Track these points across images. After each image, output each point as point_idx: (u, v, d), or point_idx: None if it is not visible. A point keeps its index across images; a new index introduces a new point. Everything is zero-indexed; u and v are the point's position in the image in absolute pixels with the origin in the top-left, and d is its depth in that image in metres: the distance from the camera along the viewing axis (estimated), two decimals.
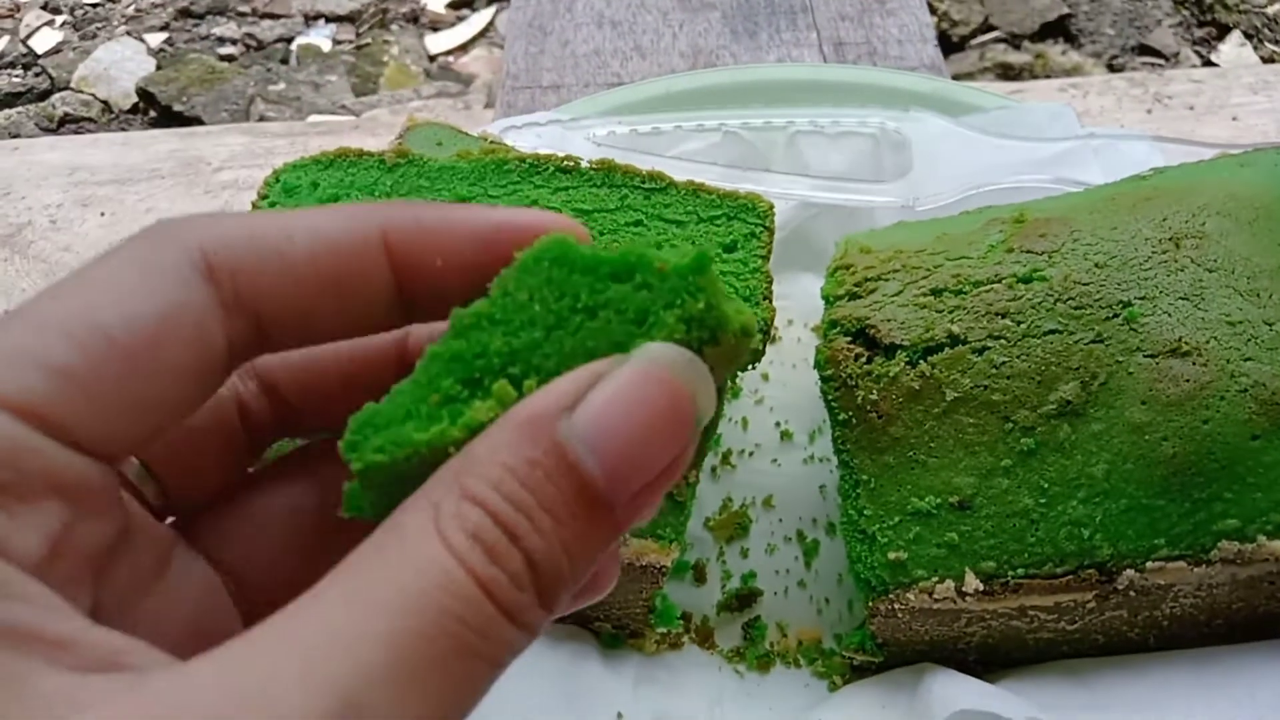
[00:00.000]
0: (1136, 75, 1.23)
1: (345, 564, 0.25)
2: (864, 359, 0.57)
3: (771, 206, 0.57)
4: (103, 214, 0.98)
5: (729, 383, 0.69)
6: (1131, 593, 0.50)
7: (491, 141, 0.64)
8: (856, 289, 0.60)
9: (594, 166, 0.57)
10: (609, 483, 0.26)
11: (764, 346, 0.53)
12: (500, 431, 0.27)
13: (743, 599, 0.62)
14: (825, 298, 0.61)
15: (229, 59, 1.75)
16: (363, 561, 0.25)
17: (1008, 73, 1.53)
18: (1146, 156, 0.75)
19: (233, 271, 0.29)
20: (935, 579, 0.52)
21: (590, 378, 0.27)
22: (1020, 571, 0.51)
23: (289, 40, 1.76)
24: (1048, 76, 1.50)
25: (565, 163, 0.57)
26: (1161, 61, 1.55)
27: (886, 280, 0.59)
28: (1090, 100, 1.21)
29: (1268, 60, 1.52)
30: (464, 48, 1.80)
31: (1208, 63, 1.53)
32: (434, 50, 1.80)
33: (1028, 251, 0.56)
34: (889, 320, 0.57)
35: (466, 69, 1.77)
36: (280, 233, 0.30)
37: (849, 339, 0.58)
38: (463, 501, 0.25)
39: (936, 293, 0.57)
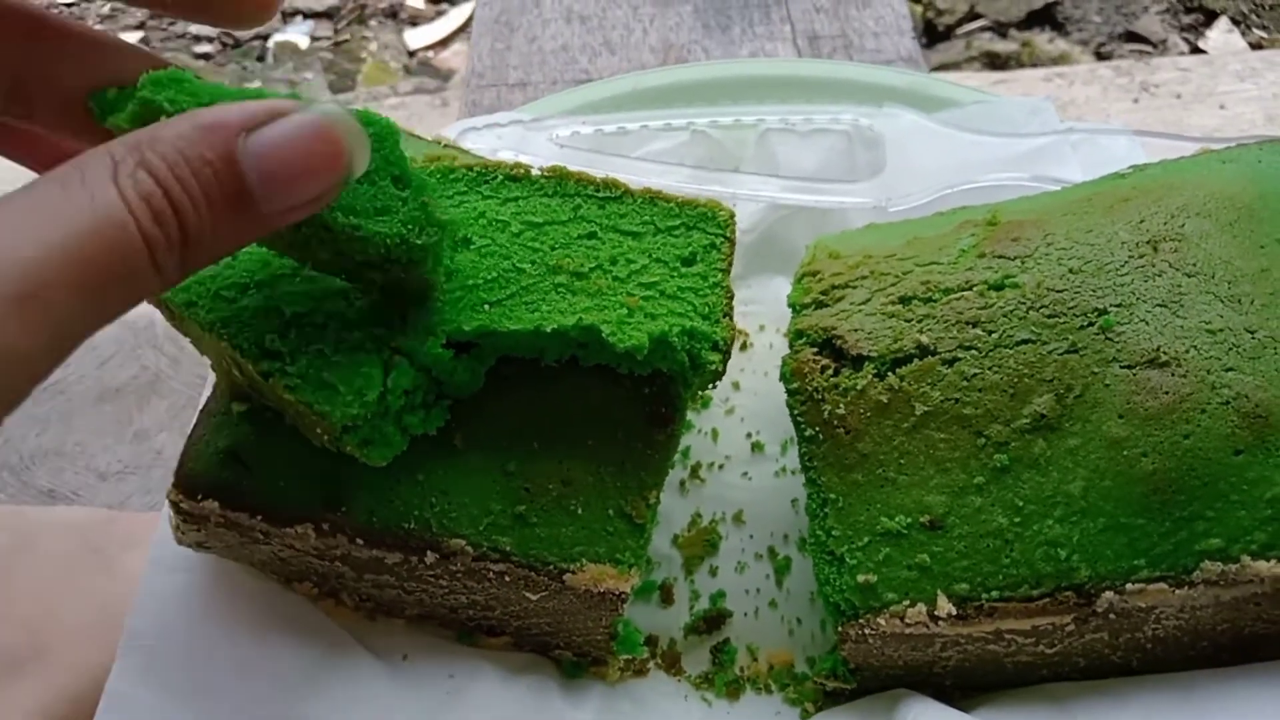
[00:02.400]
0: (1123, 64, 1.21)
1: (31, 184, 0.31)
2: (831, 371, 0.54)
3: (732, 215, 0.54)
4: None
5: (697, 394, 0.66)
6: (1111, 615, 0.48)
7: (445, 145, 0.61)
8: (823, 297, 0.57)
9: (545, 175, 0.54)
10: (263, 195, 0.34)
11: (723, 367, 0.51)
12: (186, 124, 0.33)
13: (711, 621, 0.60)
14: (792, 305, 0.59)
15: (205, 57, 1.72)
16: (47, 184, 0.31)
17: (994, 61, 1.50)
18: (1127, 152, 0.73)
19: None
20: (906, 602, 0.49)
21: (272, 111, 0.35)
22: (995, 594, 0.48)
23: (266, 38, 1.73)
24: (1034, 65, 1.48)
25: (515, 170, 0.54)
26: (1149, 49, 1.53)
27: (854, 287, 0.57)
28: (1076, 90, 1.19)
29: (1256, 46, 1.50)
30: (444, 43, 1.77)
31: (1195, 49, 1.51)
32: (413, 46, 1.76)
33: (1000, 257, 0.54)
34: (856, 330, 0.54)
35: (446, 64, 1.74)
36: None
37: (815, 350, 0.55)
38: (140, 169, 0.31)
39: (905, 301, 0.54)
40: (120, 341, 1.10)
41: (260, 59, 1.70)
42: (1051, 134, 0.74)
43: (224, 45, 1.73)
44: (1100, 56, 1.53)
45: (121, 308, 0.32)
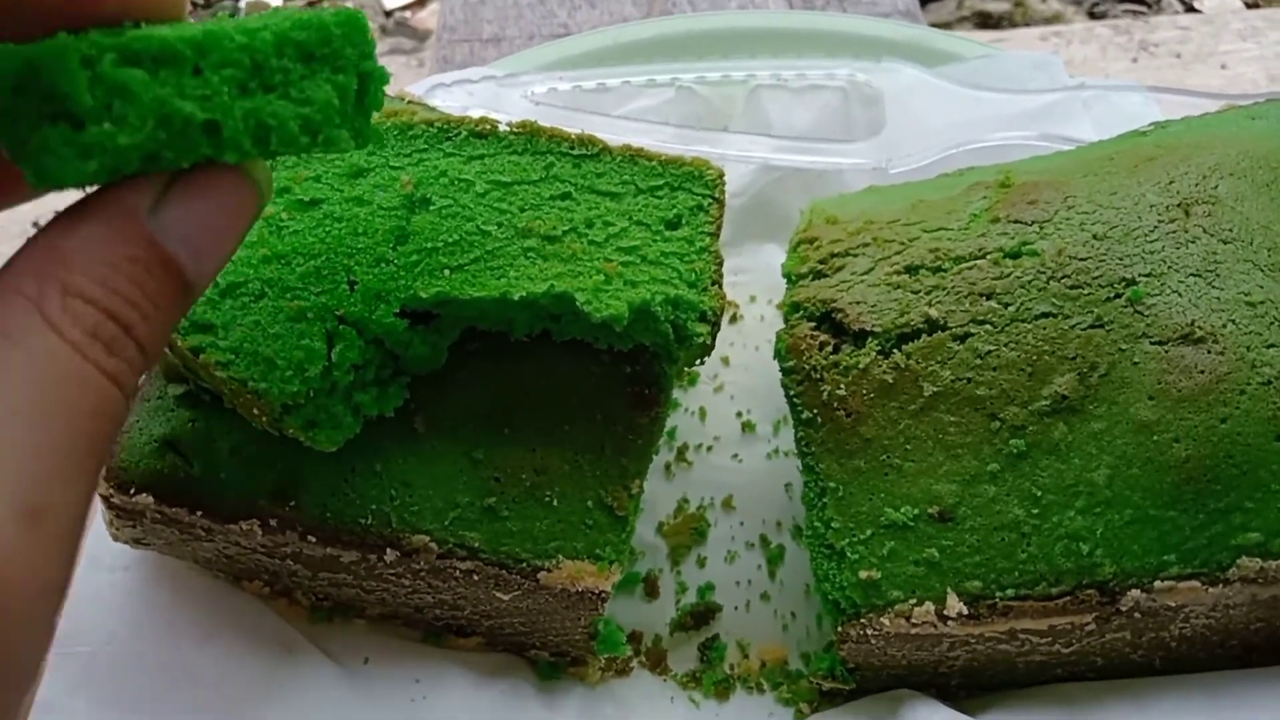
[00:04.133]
0: (1121, 23, 1.18)
1: None
2: (830, 348, 0.49)
3: (721, 174, 0.49)
4: None
5: (683, 371, 0.62)
6: (1137, 614, 0.44)
7: (410, 102, 0.56)
8: (821, 266, 0.52)
9: (515, 130, 0.49)
10: (196, 267, 0.31)
11: (713, 340, 0.46)
12: (92, 227, 0.29)
13: (699, 615, 0.55)
14: (787, 275, 0.54)
15: None
16: None
17: (986, 21, 1.45)
18: (1142, 109, 0.68)
19: None
20: (913, 601, 0.45)
21: (164, 179, 0.30)
22: (1010, 592, 0.44)
23: None
24: (1027, 24, 1.43)
25: (480, 126, 0.49)
26: (1143, 8, 1.48)
27: (855, 256, 0.52)
28: (1073, 49, 1.16)
29: (1252, 5, 1.45)
30: (421, 2, 1.70)
31: (1190, 9, 1.47)
32: (389, 5, 1.69)
33: (1015, 221, 0.49)
34: (858, 303, 0.50)
35: (424, 24, 1.67)
36: None
37: (813, 325, 0.51)
38: (72, 300, 0.28)
39: (912, 270, 0.50)
40: None
41: (233, 17, 1.63)
42: (1061, 90, 0.69)
43: (194, 5, 1.66)
44: (1094, 16, 1.49)
45: (108, 442, 0.28)
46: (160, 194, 0.30)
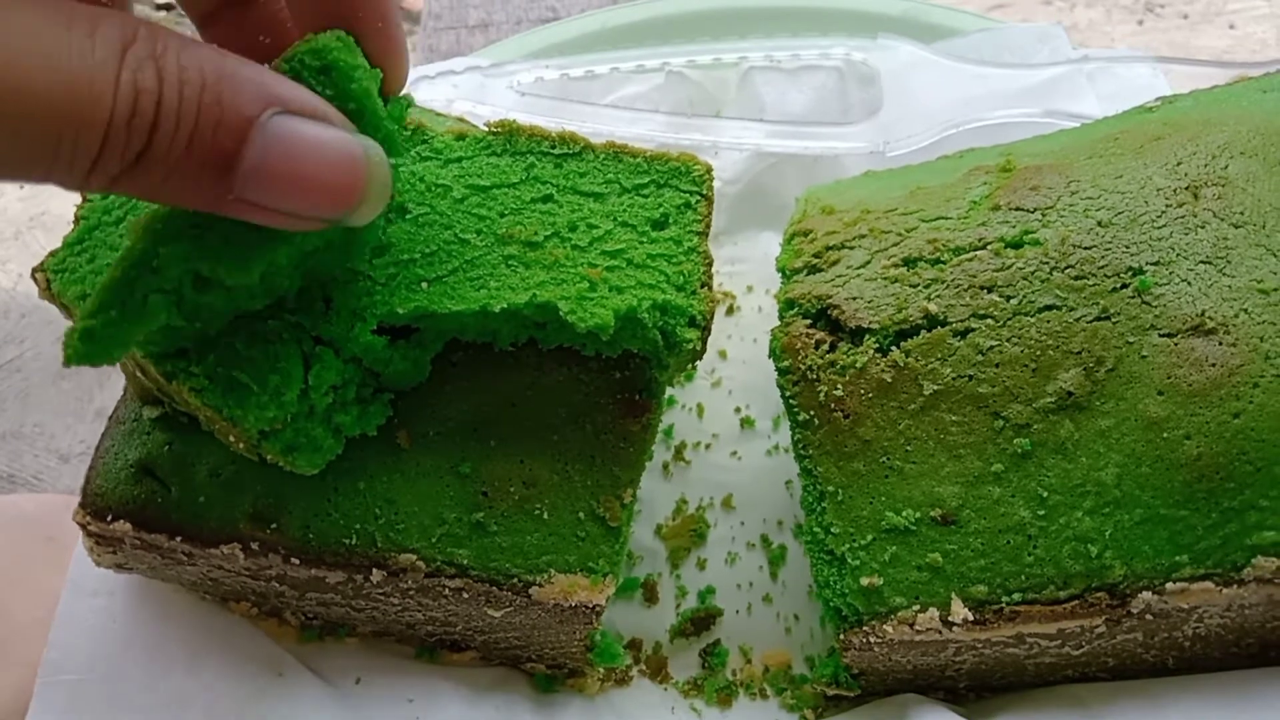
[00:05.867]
0: None
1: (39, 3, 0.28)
2: (826, 346, 0.48)
3: (709, 170, 0.47)
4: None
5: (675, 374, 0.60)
6: (1148, 616, 0.42)
7: None
8: (816, 260, 0.51)
9: (493, 130, 0.47)
10: (249, 175, 0.30)
11: (703, 345, 0.44)
12: (225, 60, 0.30)
13: (700, 621, 0.54)
14: (781, 270, 0.52)
15: (166, 7, 1.63)
16: (54, 11, 0.28)
17: None
18: (1149, 81, 0.66)
19: None
20: (916, 607, 0.43)
21: (318, 110, 0.32)
22: (1016, 596, 0.43)
23: None
24: None
25: (458, 126, 0.47)
26: None
27: (851, 248, 0.50)
28: (1078, 13, 1.14)
29: None
30: None
31: None
32: None
33: (1017, 209, 0.47)
34: (854, 298, 0.48)
35: (416, 7, 1.65)
36: None
37: (808, 322, 0.49)
38: (149, 61, 0.29)
39: (910, 263, 0.48)
40: None
41: None
42: (1064, 63, 0.67)
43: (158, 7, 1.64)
44: None
45: (26, 169, 0.28)
46: (298, 111, 0.31)
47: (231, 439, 0.40)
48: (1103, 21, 1.14)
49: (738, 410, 0.62)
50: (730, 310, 0.66)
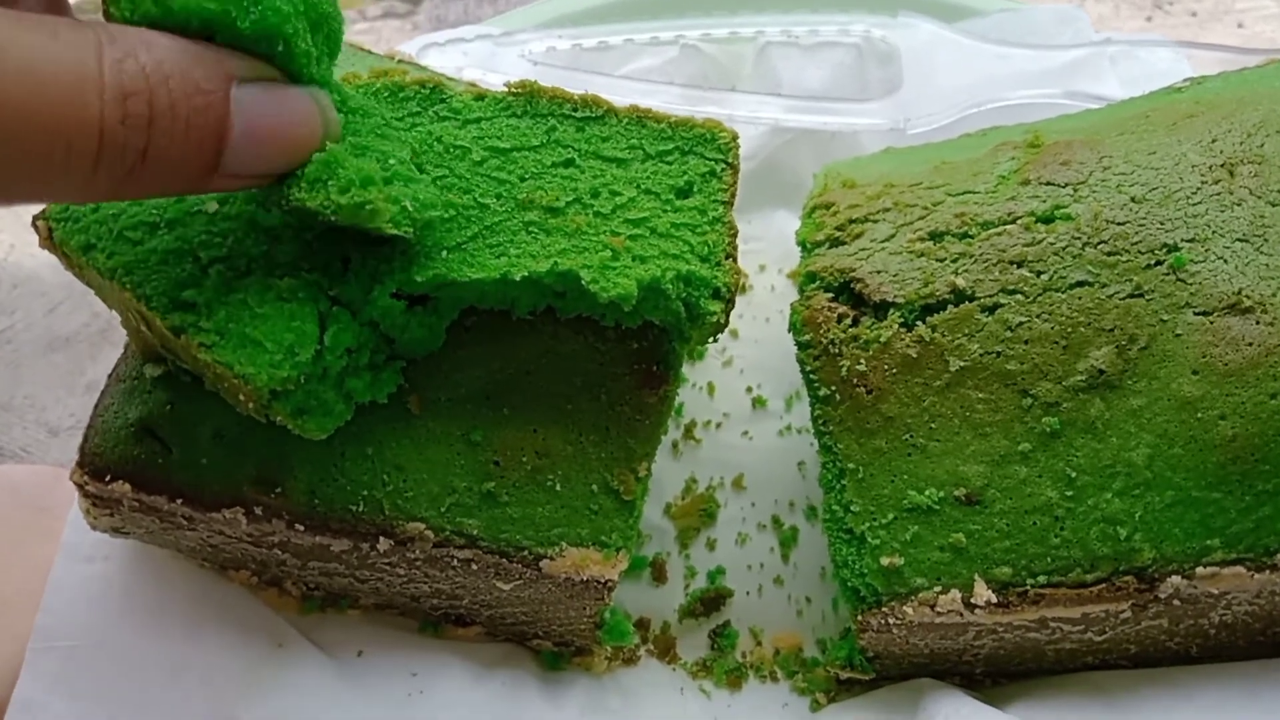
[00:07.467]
0: None
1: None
2: (849, 321, 0.47)
3: (735, 137, 0.46)
4: None
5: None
6: (1176, 602, 0.41)
7: (400, 62, 0.53)
8: (839, 233, 0.49)
9: (513, 91, 0.46)
10: (238, 148, 0.32)
11: (726, 318, 0.43)
12: (184, 44, 0.31)
13: (709, 602, 0.53)
14: (802, 243, 0.51)
15: None
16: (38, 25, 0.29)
17: None
18: (1171, 66, 0.65)
19: None
20: (938, 589, 0.42)
21: (262, 72, 0.33)
22: (1041, 579, 0.42)
23: None
24: None
25: (477, 87, 0.45)
26: None
27: (875, 221, 0.49)
28: (1087, 8, 1.13)
29: None
30: None
31: None
32: None
33: (1047, 184, 0.46)
34: (879, 272, 0.47)
35: None
36: None
37: (830, 296, 0.48)
38: (128, 59, 0.29)
39: (936, 237, 0.47)
40: (70, 287, 1.03)
41: None
42: (1087, 46, 0.66)
43: None
44: None
45: (26, 186, 0.29)
46: (251, 78, 0.32)
47: (241, 398, 0.38)
48: (1111, 16, 1.13)
49: (749, 390, 0.61)
50: (743, 289, 0.65)
